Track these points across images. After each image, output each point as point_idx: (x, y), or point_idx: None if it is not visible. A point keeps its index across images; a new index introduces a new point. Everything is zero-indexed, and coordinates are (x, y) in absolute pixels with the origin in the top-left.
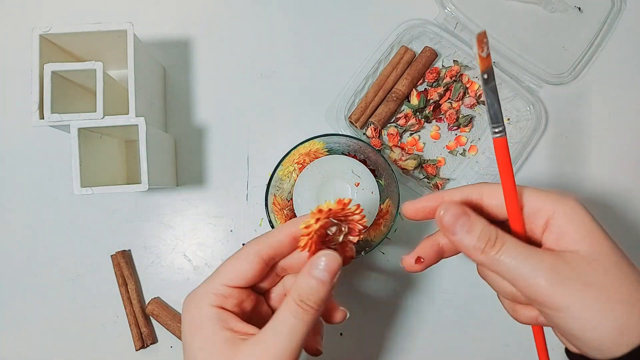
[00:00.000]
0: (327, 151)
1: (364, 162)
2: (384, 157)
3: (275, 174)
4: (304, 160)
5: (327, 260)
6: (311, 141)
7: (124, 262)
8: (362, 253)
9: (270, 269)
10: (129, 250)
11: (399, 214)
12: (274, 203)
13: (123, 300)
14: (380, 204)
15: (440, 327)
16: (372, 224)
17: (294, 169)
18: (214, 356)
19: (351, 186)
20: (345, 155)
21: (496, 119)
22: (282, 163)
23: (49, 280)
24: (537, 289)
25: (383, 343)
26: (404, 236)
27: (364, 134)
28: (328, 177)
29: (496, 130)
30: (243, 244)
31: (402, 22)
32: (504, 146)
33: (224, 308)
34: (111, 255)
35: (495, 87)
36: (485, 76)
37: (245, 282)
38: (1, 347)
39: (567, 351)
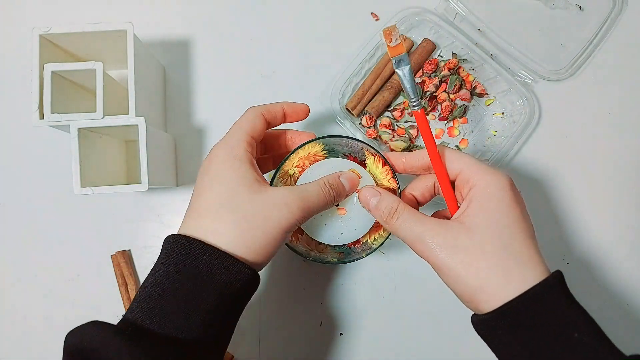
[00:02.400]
0: (327, 153)
1: (364, 164)
2: (384, 158)
3: (276, 178)
4: (304, 163)
5: (351, 176)
6: (310, 144)
7: (124, 262)
8: (364, 255)
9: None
10: (129, 250)
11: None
12: None
13: (123, 300)
14: None
15: (440, 326)
16: (372, 227)
17: (294, 172)
18: (246, 189)
19: None
20: (346, 156)
21: (413, 95)
22: (282, 167)
23: (49, 280)
24: (420, 250)
25: (383, 343)
26: None
27: (360, 122)
28: None
29: (414, 104)
30: None
31: (401, 10)
32: (423, 117)
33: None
34: (111, 255)
35: (410, 69)
36: (395, 61)
37: (258, 136)
38: (1, 347)
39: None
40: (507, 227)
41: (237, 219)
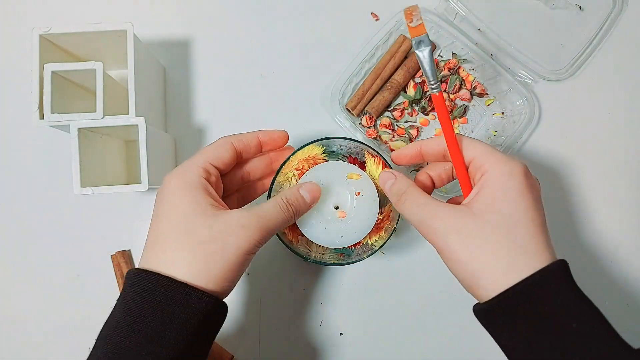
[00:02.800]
0: (327, 155)
1: (364, 165)
2: (385, 160)
3: (275, 181)
4: (303, 166)
5: (312, 187)
6: (309, 146)
7: (124, 262)
8: (365, 256)
9: (237, 169)
10: (129, 250)
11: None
12: None
13: None
14: (382, 207)
15: (440, 326)
16: (373, 229)
17: (293, 175)
18: (200, 215)
19: (351, 193)
20: (346, 157)
21: (432, 77)
22: (281, 170)
23: (49, 280)
24: (425, 233)
25: (383, 343)
26: (404, 236)
27: (360, 122)
28: (327, 184)
29: (433, 87)
30: None
31: (401, 10)
32: (442, 100)
33: (208, 181)
34: (111, 255)
35: (430, 51)
36: (416, 42)
37: (223, 165)
38: (1, 347)
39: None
40: (513, 215)
41: (193, 246)
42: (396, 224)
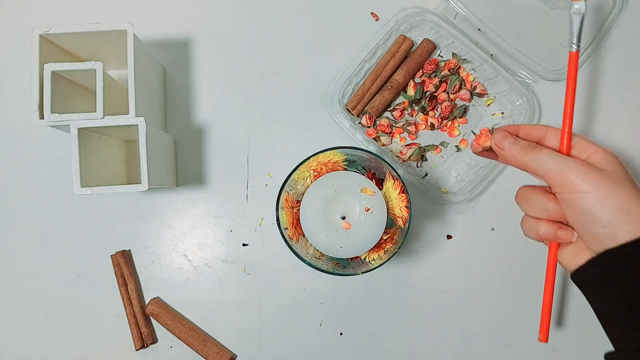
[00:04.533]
0: (347, 163)
1: (381, 182)
2: (402, 181)
3: (292, 176)
4: (321, 169)
5: None
6: (332, 151)
7: (124, 262)
8: (359, 272)
9: None
10: (129, 250)
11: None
12: (285, 199)
13: (123, 300)
14: (388, 229)
15: (439, 327)
16: (373, 247)
17: (310, 174)
18: None
19: (360, 207)
20: (365, 170)
21: (576, 39)
22: (299, 167)
23: (49, 280)
24: (566, 178)
25: (383, 343)
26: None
27: (360, 122)
28: (340, 192)
29: (574, 46)
30: (243, 244)
31: (401, 10)
32: (576, 59)
33: None
34: (111, 255)
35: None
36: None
37: None
38: (1, 347)
39: (572, 275)
40: (630, 178)
41: None
42: (398, 249)
